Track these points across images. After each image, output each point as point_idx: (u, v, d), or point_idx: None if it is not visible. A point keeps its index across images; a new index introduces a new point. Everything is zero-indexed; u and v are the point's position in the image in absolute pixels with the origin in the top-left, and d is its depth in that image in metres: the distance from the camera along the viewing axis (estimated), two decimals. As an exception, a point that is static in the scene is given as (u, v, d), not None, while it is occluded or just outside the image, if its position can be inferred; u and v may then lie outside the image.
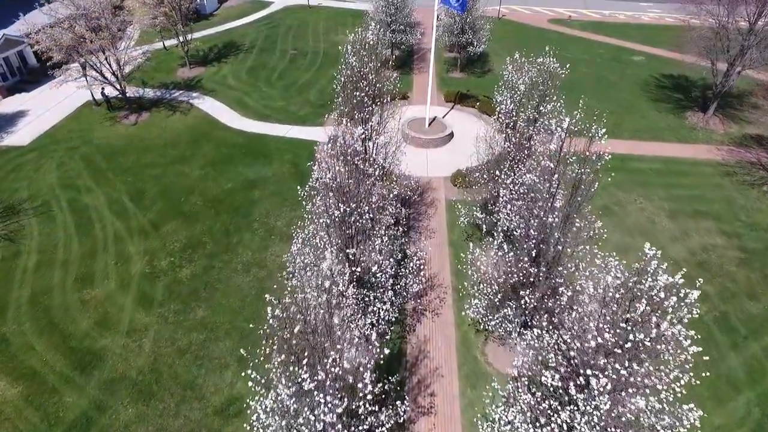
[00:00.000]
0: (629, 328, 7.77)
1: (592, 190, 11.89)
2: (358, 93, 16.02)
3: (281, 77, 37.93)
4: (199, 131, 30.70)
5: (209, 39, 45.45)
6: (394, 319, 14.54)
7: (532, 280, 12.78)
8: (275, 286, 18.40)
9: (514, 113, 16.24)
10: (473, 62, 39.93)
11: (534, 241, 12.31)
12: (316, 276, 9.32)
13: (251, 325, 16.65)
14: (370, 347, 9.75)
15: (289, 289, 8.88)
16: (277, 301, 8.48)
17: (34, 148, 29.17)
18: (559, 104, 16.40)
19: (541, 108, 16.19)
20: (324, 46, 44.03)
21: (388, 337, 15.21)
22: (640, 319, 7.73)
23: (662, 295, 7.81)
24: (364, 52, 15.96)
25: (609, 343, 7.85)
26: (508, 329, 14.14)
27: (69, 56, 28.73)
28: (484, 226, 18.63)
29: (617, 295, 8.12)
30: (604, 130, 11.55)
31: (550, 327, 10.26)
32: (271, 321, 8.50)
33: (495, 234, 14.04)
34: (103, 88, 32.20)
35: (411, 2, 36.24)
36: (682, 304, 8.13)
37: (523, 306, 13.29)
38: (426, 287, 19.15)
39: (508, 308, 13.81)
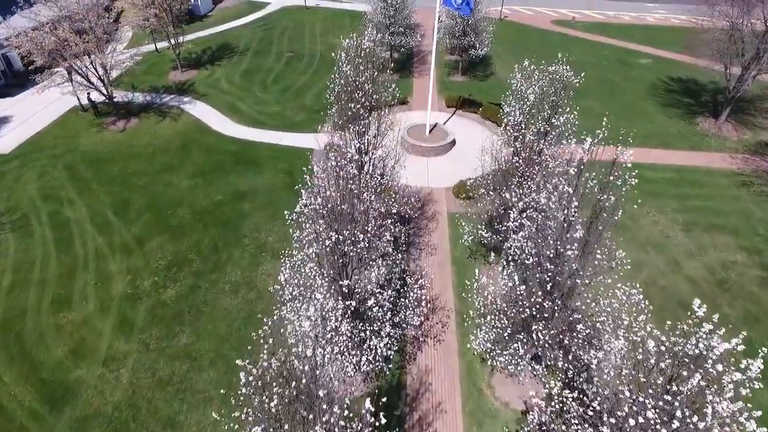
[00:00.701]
0: (676, 403, 6.42)
1: (616, 217, 10.56)
2: (353, 105, 14.68)
3: (276, 81, 36.60)
4: (190, 138, 29.36)
5: (203, 41, 44.13)
6: (391, 355, 13.21)
7: (545, 315, 11.46)
8: (261, 332, 17.05)
9: (522, 125, 14.90)
10: (475, 65, 38.63)
11: (549, 274, 10.99)
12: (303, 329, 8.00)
13: (238, 362, 15.24)
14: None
15: (266, 348, 7.54)
16: (251, 366, 7.19)
17: (17, 155, 27.82)
18: (573, 116, 15.06)
19: (553, 120, 14.86)
20: (321, 48, 42.69)
21: (387, 372, 13.89)
22: (689, 393, 6.39)
23: (719, 367, 6.41)
24: (359, 59, 14.61)
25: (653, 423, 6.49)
26: (518, 365, 12.82)
27: (52, 60, 27.36)
28: (490, 244, 17.33)
29: (661, 365, 6.74)
30: (631, 152, 10.19)
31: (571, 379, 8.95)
32: (244, 390, 7.20)
33: (503, 261, 12.70)
34: (89, 93, 30.85)
35: (411, 3, 34.91)
36: (744, 377, 6.70)
37: (535, 340, 11.99)
38: (427, 311, 17.83)
39: (519, 343, 12.49)
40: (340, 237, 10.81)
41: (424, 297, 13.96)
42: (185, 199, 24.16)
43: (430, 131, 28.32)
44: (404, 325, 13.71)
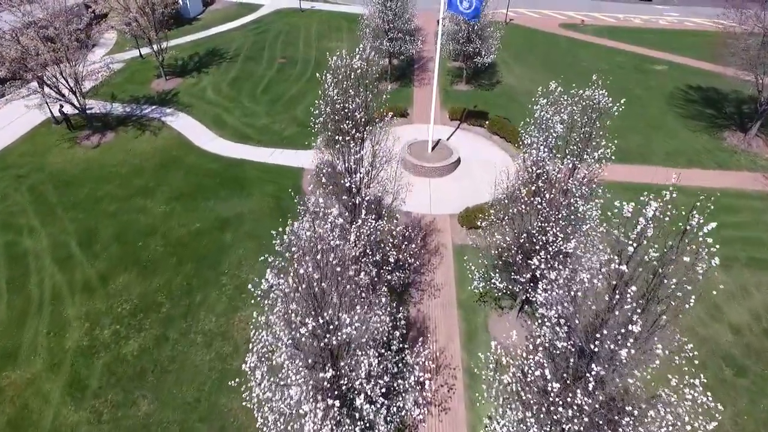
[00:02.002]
0: None
1: (691, 302, 7.96)
2: (340, 137, 12.09)
3: (267, 90, 34.02)
4: (169, 156, 26.77)
5: (190, 46, 41.60)
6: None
7: (585, 417, 8.88)
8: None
9: (546, 161, 12.33)
10: (480, 73, 36.03)
11: (593, 375, 8.40)
12: None
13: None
14: None
15: None
16: None
17: (-22, 176, 25.28)
18: (609, 152, 12.47)
19: (585, 155, 12.28)
20: (316, 53, 40.12)
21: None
22: None
23: None
24: (349, 82, 12.03)
25: None
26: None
27: (15, 71, 24.80)
28: (502, 287, 14.74)
29: None
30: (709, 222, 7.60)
31: None
32: None
33: (531, 347, 10.09)
34: (61, 106, 28.29)
35: (411, 7, 32.30)
36: None
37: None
38: (431, 369, 15.25)
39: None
40: (320, 321, 8.24)
41: (426, 380, 11.34)
42: (159, 228, 21.58)
43: (433, 148, 25.73)
44: (402, 414, 11.12)
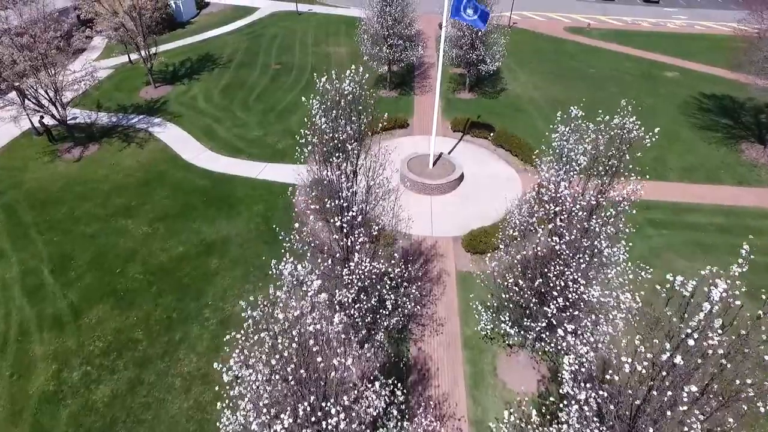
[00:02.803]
0: None
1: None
2: (328, 173, 10.52)
3: (260, 98, 32.45)
4: (155, 171, 25.21)
5: (182, 50, 40.07)
6: None
7: None
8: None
9: (567, 198, 10.72)
10: (484, 80, 34.45)
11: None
12: None
13: None
14: None
15: None
16: None
17: (-50, 193, 23.74)
18: (639, 187, 10.88)
19: (611, 191, 10.70)
20: (312, 59, 38.57)
21: None
22: None
23: None
24: (339, 110, 10.45)
25: None
26: None
27: (-11, 81, 23.29)
28: (510, 321, 13.14)
29: None
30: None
31: None
32: None
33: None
34: (41, 117, 26.76)
35: (411, 11, 30.68)
36: None
37: None
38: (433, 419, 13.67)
39: None
40: (300, 413, 6.67)
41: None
42: (139, 252, 20.01)
43: (434, 163, 24.14)
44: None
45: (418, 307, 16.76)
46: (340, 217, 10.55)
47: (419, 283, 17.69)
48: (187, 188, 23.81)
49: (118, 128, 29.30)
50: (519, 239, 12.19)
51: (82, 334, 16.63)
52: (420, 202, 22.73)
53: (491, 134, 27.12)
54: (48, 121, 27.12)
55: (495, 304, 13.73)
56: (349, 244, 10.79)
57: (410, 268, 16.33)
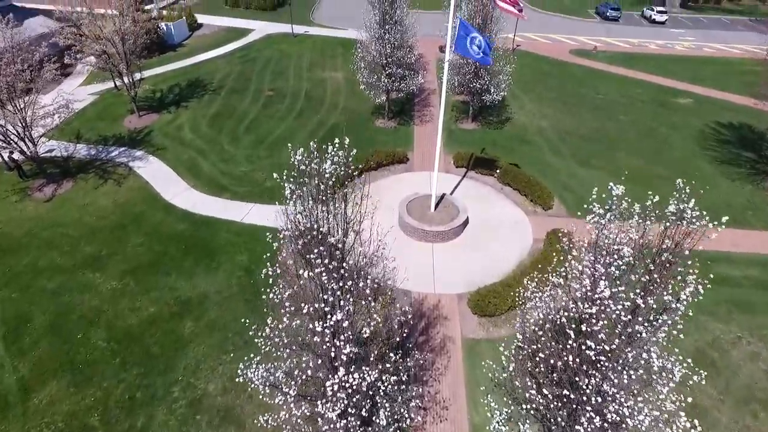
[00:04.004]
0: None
1: None
2: (305, 272, 8.36)
3: (250, 129, 30.47)
4: (131, 213, 23.09)
5: (172, 75, 38.27)
6: None
7: None
8: None
9: (609, 303, 8.51)
10: (488, 108, 32.49)
11: None
12: None
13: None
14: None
15: None
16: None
17: None
18: (700, 289, 8.72)
19: (653, 322, 8.54)
20: (307, 85, 36.73)
21: None
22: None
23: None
24: (319, 196, 8.33)
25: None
26: None
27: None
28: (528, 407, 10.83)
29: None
30: None
31: None
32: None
33: None
34: (10, 152, 24.75)
35: (411, 36, 28.76)
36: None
37: None
38: None
39: None
40: None
41: None
42: (105, 313, 17.79)
43: (436, 205, 22.03)
44: None
45: (418, 386, 14.51)
46: (321, 323, 8.35)
47: (419, 354, 15.44)
48: (165, 234, 21.65)
49: (97, 162, 27.27)
50: (545, 338, 9.96)
51: (28, 419, 14.34)
52: (421, 250, 20.58)
53: (497, 171, 25.06)
54: (17, 156, 25.09)
55: (512, 406, 11.45)
56: (333, 351, 8.59)
57: (410, 348, 14.13)
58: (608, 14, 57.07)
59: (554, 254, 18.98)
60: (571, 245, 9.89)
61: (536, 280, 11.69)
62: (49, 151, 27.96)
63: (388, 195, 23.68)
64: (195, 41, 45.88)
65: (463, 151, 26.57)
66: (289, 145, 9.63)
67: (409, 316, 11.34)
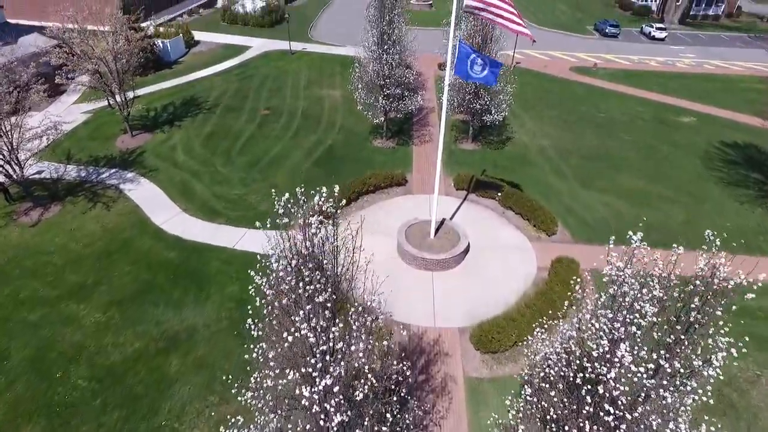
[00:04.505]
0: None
1: None
2: (289, 335, 7.48)
3: (245, 149, 29.77)
4: (119, 239, 22.24)
5: (167, 93, 37.68)
6: None
7: None
8: None
9: (631, 366, 7.64)
10: (488, 127, 31.83)
11: None
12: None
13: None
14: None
15: None
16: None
17: None
18: (733, 352, 7.88)
19: (680, 387, 7.69)
20: (303, 104, 36.15)
21: None
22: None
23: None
24: (305, 264, 7.48)
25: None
26: None
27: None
28: None
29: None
30: None
31: None
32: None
33: None
34: (-5, 175, 23.96)
35: (410, 54, 28.17)
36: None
37: None
38: None
39: None
40: None
41: None
42: (87, 348, 16.85)
43: (436, 231, 21.21)
44: None
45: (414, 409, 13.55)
46: (310, 388, 7.47)
47: (418, 401, 14.50)
48: (153, 262, 20.77)
49: (86, 184, 26.47)
50: (553, 392, 9.06)
51: (-1, 471, 13.34)
52: (420, 280, 19.71)
53: (498, 194, 24.30)
54: (4, 179, 24.29)
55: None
56: (323, 419, 7.68)
57: (409, 396, 13.22)
58: (607, 31, 56.90)
59: (558, 285, 18.22)
60: (583, 293, 9.06)
61: (545, 325, 10.85)
62: (39, 172, 27.18)
63: (387, 219, 22.91)
64: (192, 58, 45.44)
65: (464, 173, 25.85)
66: (273, 190, 8.74)
67: (408, 373, 10.38)
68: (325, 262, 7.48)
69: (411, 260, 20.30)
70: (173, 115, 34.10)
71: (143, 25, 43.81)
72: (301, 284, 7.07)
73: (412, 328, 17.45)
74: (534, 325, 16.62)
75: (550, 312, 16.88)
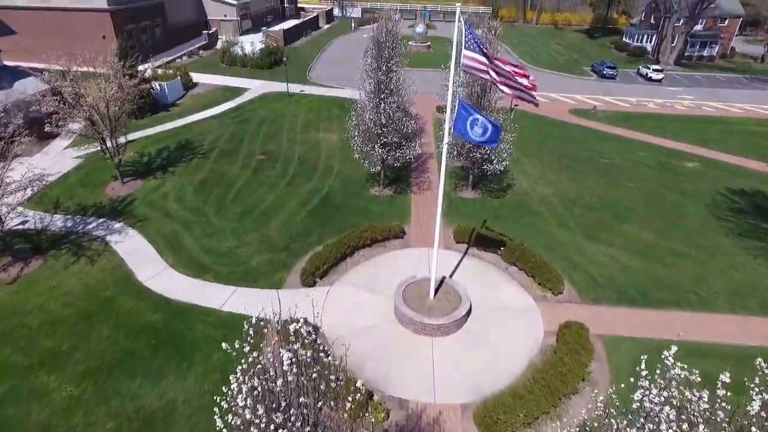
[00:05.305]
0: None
1: None
2: None
3: (238, 198, 28.88)
4: (100, 298, 21.02)
5: (162, 137, 37.21)
6: None
7: None
8: None
9: None
10: (488, 175, 31.06)
11: None
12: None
13: None
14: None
15: None
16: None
17: None
18: None
19: None
20: (300, 148, 35.59)
21: None
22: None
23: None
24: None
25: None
26: None
27: None
28: None
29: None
30: None
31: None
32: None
33: None
34: (-25, 229, 22.92)
35: (408, 102, 27.60)
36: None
37: None
38: None
39: None
40: None
41: None
42: (55, 429, 15.37)
43: (436, 291, 20.03)
44: None
45: None
46: None
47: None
48: (135, 325, 19.48)
49: (72, 236, 25.42)
50: None
51: None
52: (418, 346, 18.41)
53: (501, 249, 23.24)
54: (-15, 232, 23.26)
55: None
56: None
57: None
58: (605, 72, 57.25)
59: (568, 356, 16.95)
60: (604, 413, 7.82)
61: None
62: (23, 223, 26.20)
63: (383, 276, 21.81)
64: (189, 100, 45.28)
65: (464, 225, 24.86)
66: (245, 323, 7.61)
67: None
68: (302, 400, 6.31)
69: (409, 324, 19.05)
70: (167, 161, 33.41)
71: (141, 68, 43.77)
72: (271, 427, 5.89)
73: (410, 405, 16.04)
74: (543, 404, 15.37)
75: (560, 388, 15.56)
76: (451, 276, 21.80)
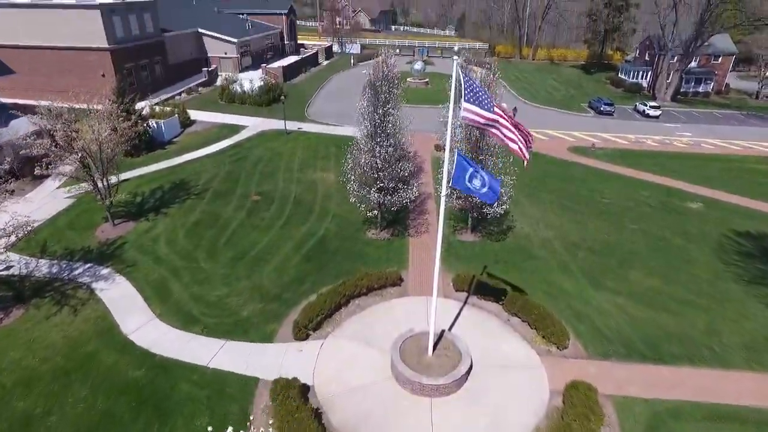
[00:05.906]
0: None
1: None
2: None
3: (231, 242, 28.07)
4: (81, 353, 19.92)
5: (157, 176, 36.74)
6: None
7: None
8: None
9: None
10: (488, 217, 30.38)
11: None
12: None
13: None
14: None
15: None
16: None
17: None
18: None
19: None
20: (296, 189, 35.04)
21: None
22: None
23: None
24: None
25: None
26: None
27: None
28: None
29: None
30: None
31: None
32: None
33: None
34: (-45, 278, 22.04)
35: (405, 143, 27.12)
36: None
37: None
38: None
39: None
40: None
41: None
42: None
43: (435, 346, 18.98)
44: None
45: None
46: None
47: None
48: (116, 384, 18.33)
49: (56, 282, 24.48)
50: None
51: None
52: (416, 408, 17.26)
53: (502, 298, 22.31)
54: (-36, 281, 22.37)
55: None
56: None
57: None
58: (602, 109, 57.53)
59: (576, 421, 15.80)
60: None
61: None
62: (7, 268, 25.31)
63: (380, 328, 20.81)
64: (186, 138, 45.08)
65: (464, 273, 23.98)
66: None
67: None
68: None
69: (406, 383, 17.93)
70: (160, 201, 32.77)
71: (139, 105, 43.77)
72: None
73: (407, 479, 14.81)
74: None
75: (569, 460, 14.37)
76: (450, 328, 20.79)
